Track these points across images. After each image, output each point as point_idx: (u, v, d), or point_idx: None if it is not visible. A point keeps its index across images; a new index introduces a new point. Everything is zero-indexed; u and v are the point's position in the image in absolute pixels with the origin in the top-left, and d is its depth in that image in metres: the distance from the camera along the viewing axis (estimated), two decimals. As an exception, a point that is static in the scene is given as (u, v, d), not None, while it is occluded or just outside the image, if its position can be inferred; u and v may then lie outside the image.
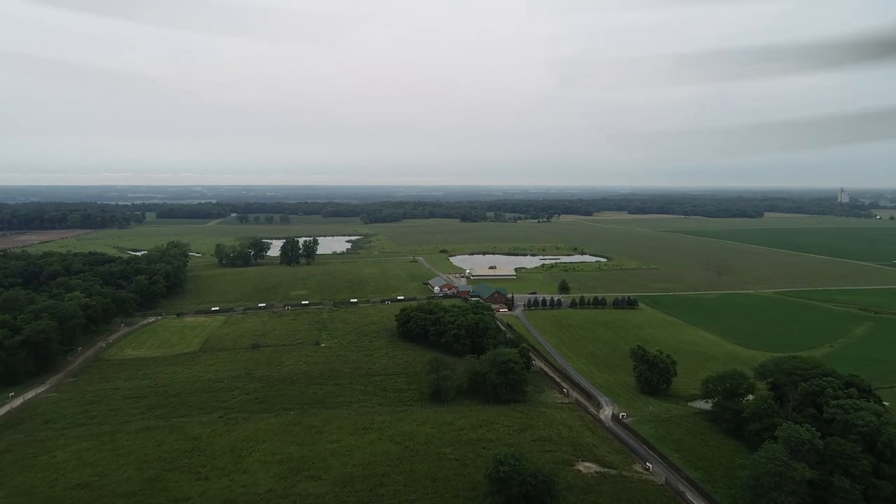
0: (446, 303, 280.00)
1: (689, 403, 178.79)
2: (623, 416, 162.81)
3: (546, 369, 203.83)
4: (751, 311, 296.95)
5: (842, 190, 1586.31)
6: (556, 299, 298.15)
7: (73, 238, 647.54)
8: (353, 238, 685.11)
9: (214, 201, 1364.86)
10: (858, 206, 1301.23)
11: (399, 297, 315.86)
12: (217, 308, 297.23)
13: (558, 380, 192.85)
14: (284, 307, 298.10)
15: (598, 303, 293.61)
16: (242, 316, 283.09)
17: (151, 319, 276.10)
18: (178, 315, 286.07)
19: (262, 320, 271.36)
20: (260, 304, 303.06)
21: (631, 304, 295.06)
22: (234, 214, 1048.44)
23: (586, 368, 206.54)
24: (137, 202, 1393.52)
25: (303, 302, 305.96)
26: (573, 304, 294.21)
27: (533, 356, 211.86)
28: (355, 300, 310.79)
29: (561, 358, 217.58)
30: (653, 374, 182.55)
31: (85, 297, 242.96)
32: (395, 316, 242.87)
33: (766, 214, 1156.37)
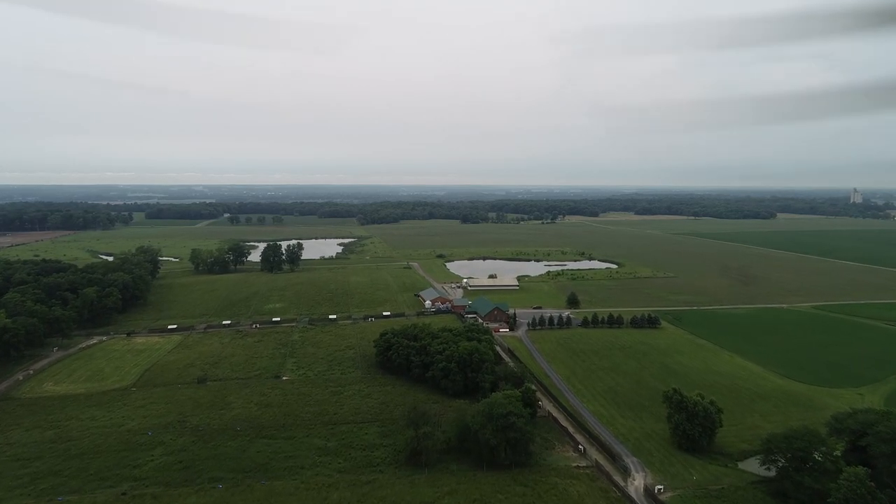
0: (437, 323, 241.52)
1: (740, 464, 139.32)
2: (659, 489, 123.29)
3: (556, 413, 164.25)
4: (790, 330, 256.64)
5: (855, 190, 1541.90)
6: (564, 316, 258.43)
7: (48, 241, 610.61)
8: (346, 241, 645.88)
9: (213, 201, 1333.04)
10: (874, 207, 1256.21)
11: (385, 313, 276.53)
12: (175, 326, 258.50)
13: (572, 430, 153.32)
14: (252, 325, 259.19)
15: (613, 321, 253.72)
16: (201, 336, 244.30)
17: (95, 340, 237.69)
18: (127, 335, 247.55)
19: (221, 342, 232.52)
20: (224, 322, 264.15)
21: (652, 322, 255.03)
22: (226, 215, 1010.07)
23: (605, 412, 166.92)
24: (135, 202, 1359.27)
25: (273, 319, 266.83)
26: (585, 323, 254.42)
27: (540, 395, 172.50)
28: (334, 316, 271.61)
29: (573, 396, 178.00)
30: (693, 427, 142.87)
31: (6, 318, 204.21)
32: (374, 341, 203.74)
33: (779, 215, 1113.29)
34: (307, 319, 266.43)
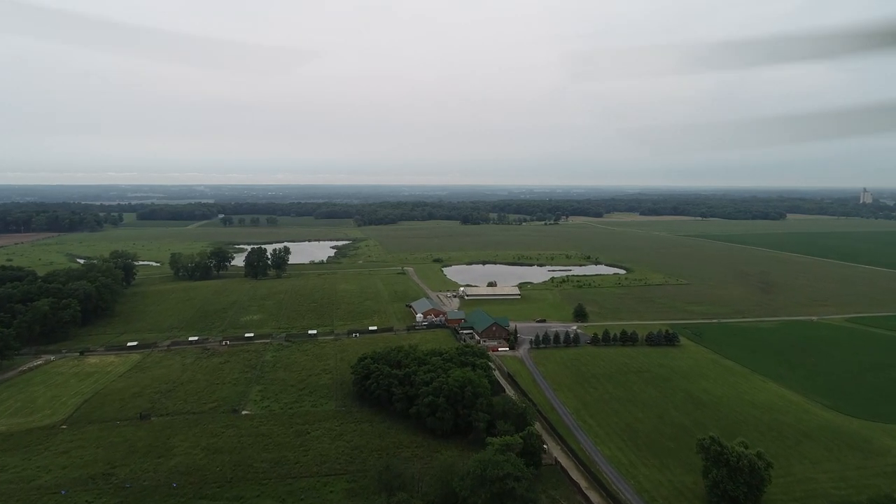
0: (427, 341, 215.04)
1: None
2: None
3: (564, 460, 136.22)
4: (826, 348, 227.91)
5: (864, 190, 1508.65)
6: (571, 333, 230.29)
7: (28, 243, 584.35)
8: (340, 243, 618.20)
9: (212, 201, 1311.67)
10: (886, 208, 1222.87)
11: (371, 328, 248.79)
12: (135, 343, 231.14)
13: (584, 485, 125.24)
14: (221, 342, 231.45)
15: (626, 338, 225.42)
16: (162, 355, 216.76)
17: (40, 361, 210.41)
18: (81, 353, 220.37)
19: (183, 363, 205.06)
20: (191, 338, 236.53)
21: (669, 339, 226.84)
22: (220, 216, 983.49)
23: (624, 457, 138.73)
24: (130, 202, 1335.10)
25: (246, 334, 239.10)
26: (595, 340, 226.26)
27: (545, 435, 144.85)
28: (314, 331, 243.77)
29: (585, 436, 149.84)
30: (736, 486, 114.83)
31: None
32: (352, 366, 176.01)
33: (788, 216, 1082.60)
34: (284, 336, 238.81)
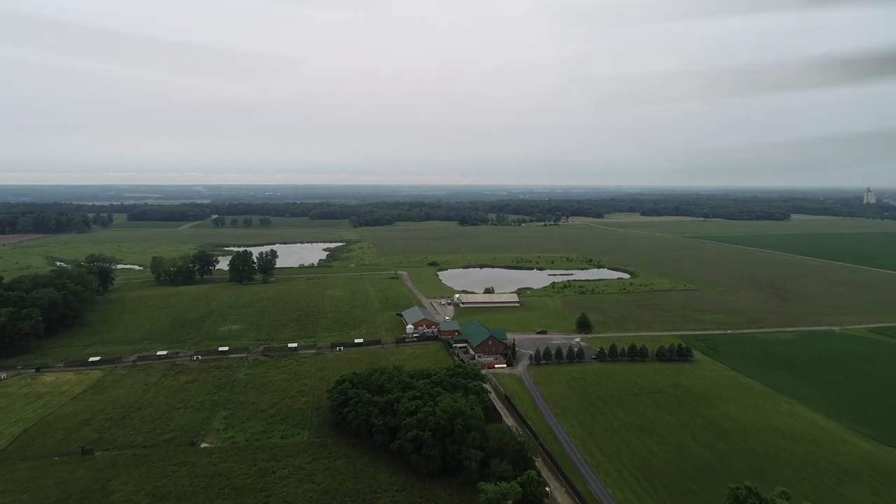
0: (417, 357, 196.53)
1: None
2: None
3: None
4: (854, 363, 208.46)
5: (868, 190, 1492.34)
6: (575, 347, 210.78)
7: (10, 246, 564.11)
8: (333, 245, 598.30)
9: (208, 201, 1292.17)
10: (892, 208, 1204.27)
11: (357, 340, 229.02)
12: (98, 358, 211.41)
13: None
14: (192, 357, 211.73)
15: (635, 353, 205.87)
16: (126, 372, 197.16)
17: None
18: (36, 370, 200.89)
19: (146, 382, 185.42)
20: (160, 352, 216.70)
21: (682, 354, 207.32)
22: (214, 216, 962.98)
23: (639, 503, 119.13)
24: (122, 203, 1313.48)
25: (220, 348, 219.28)
26: (601, 355, 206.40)
27: (546, 473, 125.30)
28: (295, 344, 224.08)
29: (593, 474, 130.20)
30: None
31: None
32: (328, 391, 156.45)
33: (792, 216, 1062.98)
34: (261, 349, 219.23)
